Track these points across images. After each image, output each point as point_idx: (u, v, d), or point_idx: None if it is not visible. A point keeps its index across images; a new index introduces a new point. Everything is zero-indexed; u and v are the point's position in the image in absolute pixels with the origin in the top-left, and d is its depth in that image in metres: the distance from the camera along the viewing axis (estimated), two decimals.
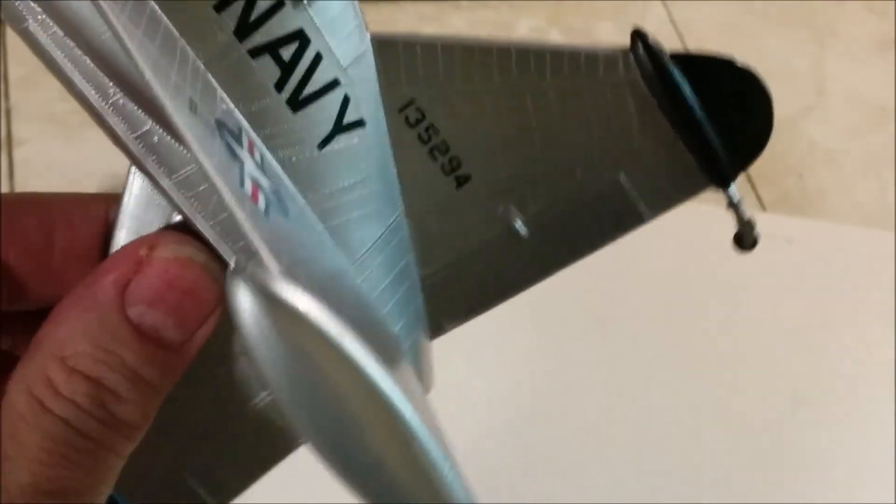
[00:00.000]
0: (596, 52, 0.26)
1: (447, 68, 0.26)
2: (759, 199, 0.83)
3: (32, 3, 0.22)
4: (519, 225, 0.28)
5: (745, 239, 0.29)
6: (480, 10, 0.96)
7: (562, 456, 0.63)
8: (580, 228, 0.28)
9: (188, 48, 0.22)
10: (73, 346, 0.24)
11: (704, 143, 0.26)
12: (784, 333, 0.71)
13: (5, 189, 0.77)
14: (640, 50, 0.25)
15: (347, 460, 0.21)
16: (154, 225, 0.26)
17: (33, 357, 0.24)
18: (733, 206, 0.28)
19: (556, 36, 0.95)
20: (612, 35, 0.95)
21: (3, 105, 0.82)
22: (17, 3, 0.23)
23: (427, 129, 0.26)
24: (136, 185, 0.25)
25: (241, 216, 0.19)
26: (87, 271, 0.25)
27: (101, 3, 0.20)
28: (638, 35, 0.26)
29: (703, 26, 0.96)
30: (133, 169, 0.25)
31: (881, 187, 0.85)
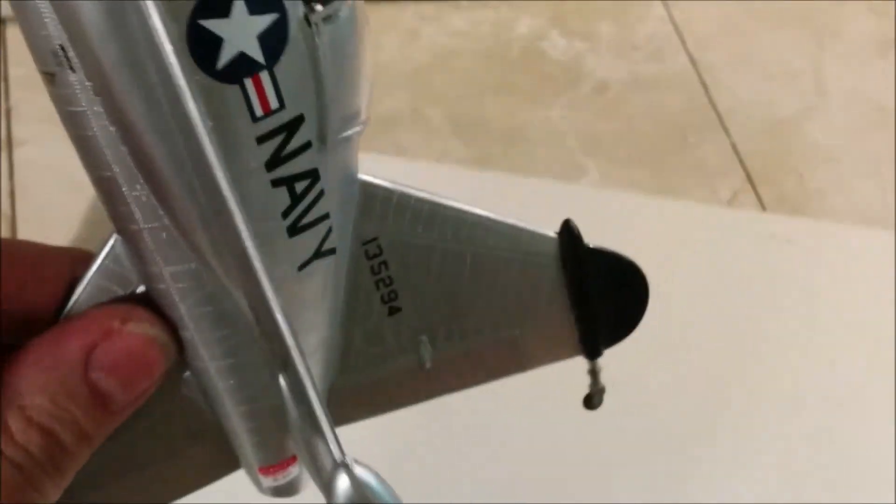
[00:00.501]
0: (534, 232, 0.31)
1: (413, 219, 0.30)
2: (759, 198, 0.83)
3: (87, 84, 0.24)
4: (426, 357, 0.32)
5: (593, 400, 0.35)
6: (480, 10, 0.96)
7: (557, 451, 0.63)
8: (473, 368, 0.33)
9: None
10: (33, 398, 0.26)
11: (592, 322, 0.33)
12: (784, 333, 0.71)
13: (5, 189, 0.77)
14: (566, 236, 0.31)
15: None
16: (115, 292, 0.28)
17: None
18: (593, 373, 0.34)
19: (556, 37, 0.95)
20: (612, 37, 0.95)
21: (3, 105, 0.82)
22: (73, 80, 0.24)
23: (380, 264, 0.30)
24: (112, 256, 0.27)
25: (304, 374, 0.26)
26: (46, 323, 0.27)
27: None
28: (567, 224, 0.31)
29: (703, 26, 0.97)
30: (113, 238, 0.27)
31: (881, 187, 0.85)
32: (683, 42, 0.95)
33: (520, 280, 0.32)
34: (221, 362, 0.28)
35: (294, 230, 0.27)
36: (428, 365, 0.32)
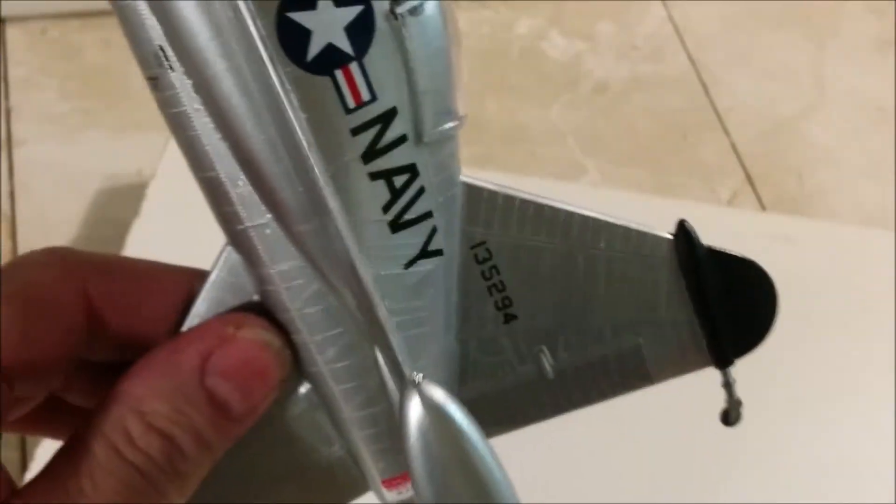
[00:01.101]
0: (645, 232, 0.30)
1: (520, 221, 0.30)
2: (758, 198, 0.83)
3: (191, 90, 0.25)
4: (547, 367, 0.31)
5: (731, 416, 0.34)
6: (481, 11, 0.96)
7: (558, 458, 0.63)
8: (596, 380, 0.32)
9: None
10: (152, 404, 0.26)
11: (716, 329, 0.31)
12: (783, 333, 0.71)
13: (5, 189, 0.77)
14: (682, 238, 0.30)
15: None
16: (232, 304, 0.28)
17: (110, 408, 0.26)
18: (728, 385, 0.33)
19: (556, 37, 0.95)
20: (612, 37, 0.95)
21: (3, 105, 0.82)
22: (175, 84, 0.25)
23: (491, 269, 0.30)
24: (226, 267, 0.28)
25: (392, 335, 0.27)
26: (164, 334, 0.28)
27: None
28: (682, 225, 0.30)
29: (702, 26, 0.97)
30: (226, 251, 0.28)
31: (881, 187, 0.85)
32: (683, 42, 0.95)
33: (636, 283, 0.31)
34: (335, 365, 0.28)
35: (396, 226, 0.27)
36: (550, 375, 0.31)
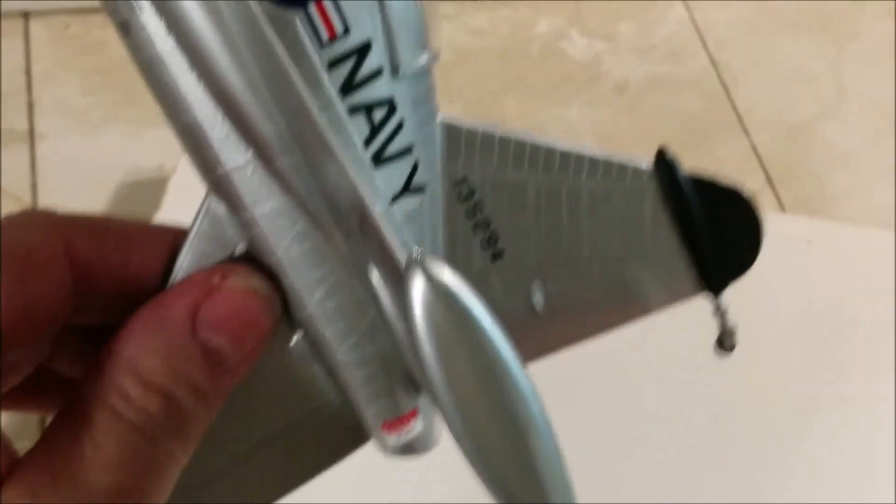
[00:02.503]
0: (626, 163, 0.30)
1: (501, 157, 0.30)
2: (778, 200, 0.83)
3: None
4: (537, 301, 0.31)
5: (725, 342, 0.34)
6: (500, 9, 0.96)
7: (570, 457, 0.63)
8: (587, 314, 0.32)
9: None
10: (146, 362, 0.26)
11: (704, 255, 0.31)
12: (802, 334, 0.71)
13: (27, 182, 0.78)
14: (662, 166, 0.30)
15: (487, 440, 0.28)
16: (215, 256, 0.28)
17: (104, 370, 0.26)
18: (720, 312, 0.33)
19: (575, 36, 0.95)
20: (632, 37, 0.95)
21: (25, 99, 0.83)
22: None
23: (474, 206, 0.30)
24: (208, 218, 0.28)
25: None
26: (152, 294, 0.28)
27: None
28: (662, 154, 0.30)
29: (723, 28, 0.96)
30: (207, 202, 0.28)
31: None
32: (704, 43, 0.95)
33: (621, 214, 0.31)
34: (325, 305, 0.28)
35: (378, 161, 0.27)
36: (540, 311, 0.31)
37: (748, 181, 0.84)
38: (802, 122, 0.90)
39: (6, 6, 0.86)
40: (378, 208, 0.27)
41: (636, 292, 0.32)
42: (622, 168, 0.30)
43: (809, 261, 0.74)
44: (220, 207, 0.27)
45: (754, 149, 0.87)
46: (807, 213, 0.83)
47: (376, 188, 0.27)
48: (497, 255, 0.31)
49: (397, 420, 0.31)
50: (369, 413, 0.31)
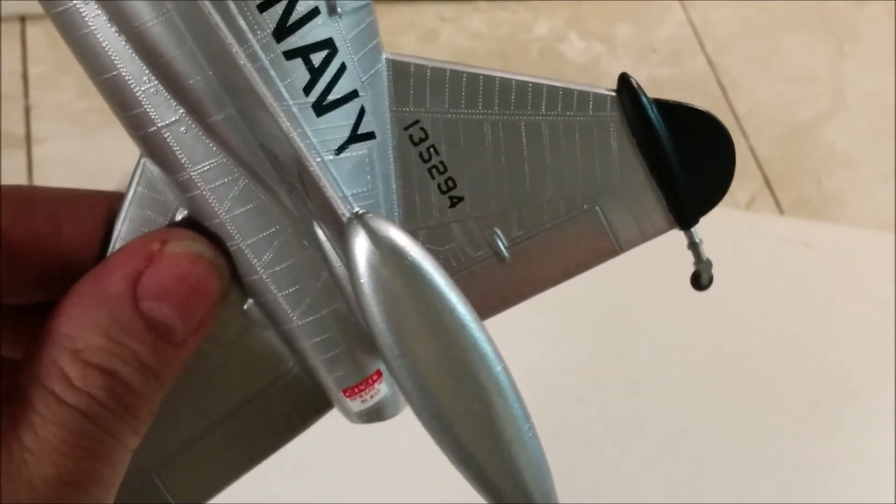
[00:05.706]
0: (587, 91, 0.28)
1: (453, 94, 0.28)
2: (777, 202, 0.83)
3: None
4: (503, 249, 0.29)
5: (701, 277, 0.32)
6: (499, 12, 0.96)
7: (571, 457, 0.63)
8: (557, 256, 0.30)
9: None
10: (86, 339, 0.24)
11: (674, 187, 0.29)
12: (802, 336, 0.70)
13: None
14: (624, 92, 0.28)
15: (443, 406, 0.25)
16: (155, 221, 0.27)
17: (41, 351, 0.24)
18: (694, 245, 0.31)
19: (574, 38, 0.95)
20: (631, 39, 0.95)
21: (23, 103, 0.83)
22: None
23: (428, 149, 0.28)
24: (144, 181, 0.26)
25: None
26: (89, 263, 0.26)
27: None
28: (624, 77, 0.28)
29: (721, 29, 0.96)
30: (142, 164, 0.26)
31: None
32: (702, 45, 0.95)
33: (585, 146, 0.29)
34: (274, 268, 0.27)
35: (321, 108, 0.25)
36: (507, 257, 0.30)
37: (747, 183, 0.84)
38: (801, 124, 0.90)
39: (3, 10, 0.86)
40: (317, 160, 0.24)
41: (605, 230, 0.30)
42: (583, 96, 0.28)
43: (808, 263, 0.74)
44: (155, 169, 0.26)
45: (753, 151, 0.87)
46: (806, 216, 0.83)
47: (314, 139, 0.25)
48: (456, 201, 0.29)
49: (359, 384, 0.29)
50: (328, 380, 0.29)
